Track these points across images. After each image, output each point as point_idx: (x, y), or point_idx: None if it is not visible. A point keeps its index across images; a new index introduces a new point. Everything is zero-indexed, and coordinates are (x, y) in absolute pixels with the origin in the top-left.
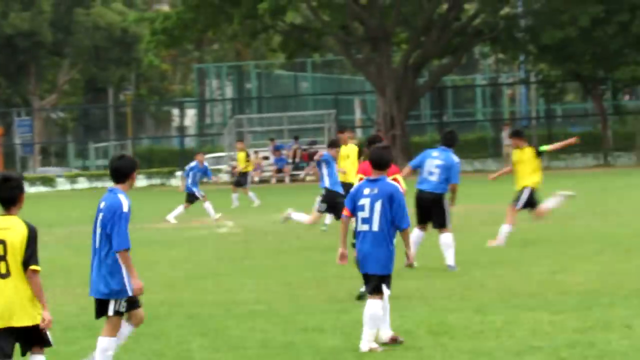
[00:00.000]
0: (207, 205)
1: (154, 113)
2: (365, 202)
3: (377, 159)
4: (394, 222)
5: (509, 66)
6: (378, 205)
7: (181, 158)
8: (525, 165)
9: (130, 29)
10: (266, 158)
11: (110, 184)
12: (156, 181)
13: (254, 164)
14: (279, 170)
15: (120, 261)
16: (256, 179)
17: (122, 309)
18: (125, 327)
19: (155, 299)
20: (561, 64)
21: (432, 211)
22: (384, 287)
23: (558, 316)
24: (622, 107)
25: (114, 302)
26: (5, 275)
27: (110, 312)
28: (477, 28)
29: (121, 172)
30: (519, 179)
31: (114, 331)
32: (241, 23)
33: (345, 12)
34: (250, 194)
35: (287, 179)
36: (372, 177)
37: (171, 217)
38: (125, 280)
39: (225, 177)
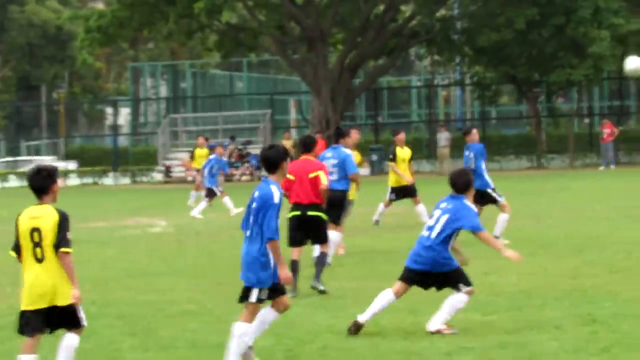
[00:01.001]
0: (226, 199)
1: (87, 111)
2: (436, 212)
3: (453, 183)
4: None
5: (444, 68)
6: (443, 219)
7: (114, 157)
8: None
9: (64, 26)
10: None
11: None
12: (88, 180)
13: (186, 163)
14: None
15: (270, 250)
16: (189, 178)
17: (264, 297)
18: (270, 314)
19: (86, 299)
20: (497, 66)
21: (331, 207)
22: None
23: (489, 317)
24: (556, 109)
25: (257, 290)
26: (41, 259)
27: (253, 299)
28: (414, 30)
29: (270, 162)
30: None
31: (251, 317)
32: (177, 22)
33: (282, 12)
34: (194, 193)
35: (221, 179)
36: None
37: (196, 213)
38: (271, 270)
39: (159, 177)
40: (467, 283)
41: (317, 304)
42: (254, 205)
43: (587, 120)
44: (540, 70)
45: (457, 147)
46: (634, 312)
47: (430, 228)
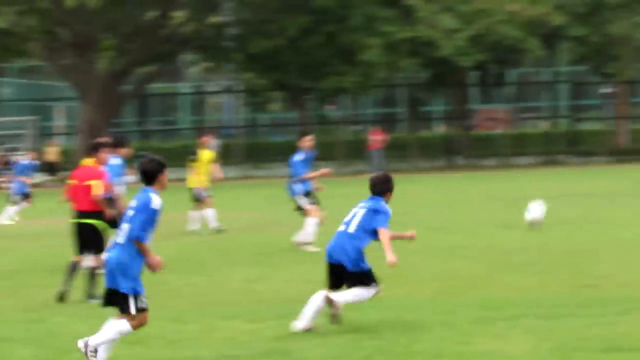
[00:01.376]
0: (15, 208)
1: None
2: (354, 210)
3: (372, 185)
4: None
5: (217, 75)
6: (360, 213)
7: None
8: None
9: None
10: None
11: None
12: None
13: None
14: None
15: (139, 248)
16: None
17: (141, 304)
18: (123, 325)
19: None
20: (268, 73)
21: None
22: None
23: (255, 325)
24: (326, 116)
25: (133, 298)
26: None
27: (133, 311)
28: (185, 36)
29: (147, 175)
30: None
31: (138, 325)
32: None
33: (52, 17)
34: None
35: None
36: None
37: (4, 217)
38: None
39: None
40: (376, 283)
41: (81, 313)
42: (131, 213)
43: (356, 128)
44: (312, 77)
45: (225, 154)
46: (398, 319)
47: (347, 222)
